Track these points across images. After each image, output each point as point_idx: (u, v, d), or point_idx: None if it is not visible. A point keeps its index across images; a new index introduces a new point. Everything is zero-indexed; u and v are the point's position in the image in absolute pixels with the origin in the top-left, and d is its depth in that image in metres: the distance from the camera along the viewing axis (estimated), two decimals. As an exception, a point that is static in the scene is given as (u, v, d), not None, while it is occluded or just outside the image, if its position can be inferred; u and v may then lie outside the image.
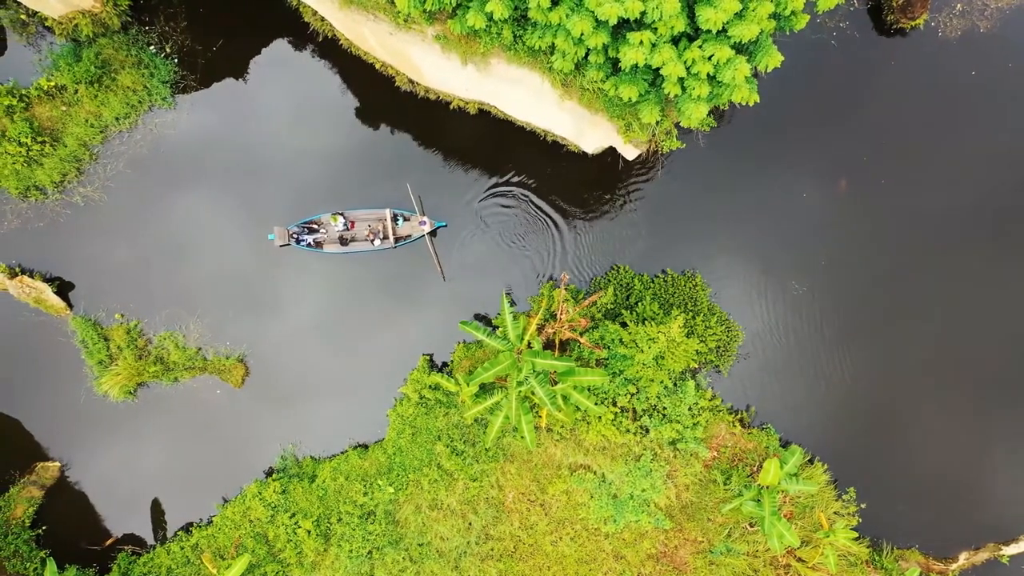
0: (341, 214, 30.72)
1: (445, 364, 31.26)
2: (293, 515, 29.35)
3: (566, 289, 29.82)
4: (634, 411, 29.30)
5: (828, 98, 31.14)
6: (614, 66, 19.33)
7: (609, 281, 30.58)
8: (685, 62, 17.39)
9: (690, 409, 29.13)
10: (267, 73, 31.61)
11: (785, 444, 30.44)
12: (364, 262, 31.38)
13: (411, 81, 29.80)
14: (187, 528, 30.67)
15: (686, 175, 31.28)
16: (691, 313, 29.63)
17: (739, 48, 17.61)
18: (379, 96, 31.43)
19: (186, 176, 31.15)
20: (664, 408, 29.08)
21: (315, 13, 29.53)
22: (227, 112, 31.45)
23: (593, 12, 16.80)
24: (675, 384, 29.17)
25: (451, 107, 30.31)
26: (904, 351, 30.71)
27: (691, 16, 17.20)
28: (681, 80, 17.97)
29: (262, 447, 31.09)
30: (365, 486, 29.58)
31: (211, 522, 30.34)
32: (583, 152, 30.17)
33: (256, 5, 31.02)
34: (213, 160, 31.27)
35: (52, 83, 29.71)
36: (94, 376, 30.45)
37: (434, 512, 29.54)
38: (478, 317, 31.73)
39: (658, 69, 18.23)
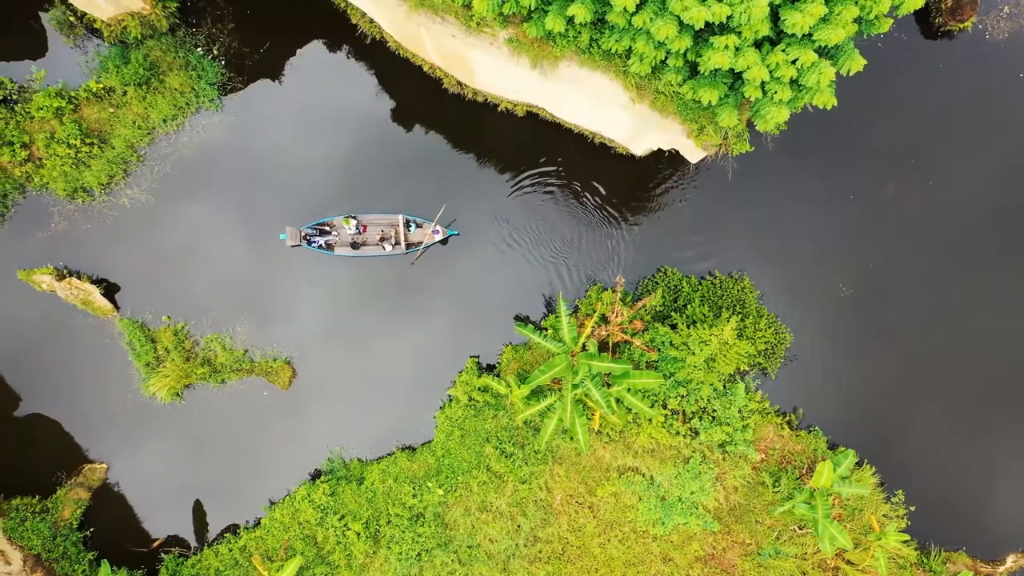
0: (354, 217, 30.54)
1: (490, 366, 31.25)
2: (342, 517, 29.36)
3: (614, 291, 29.85)
4: (683, 413, 29.30)
5: (875, 99, 31.07)
6: (691, 69, 19.33)
7: (657, 283, 30.58)
8: (768, 66, 17.42)
9: (740, 411, 29.13)
10: (312, 74, 31.53)
11: (832, 446, 30.44)
12: (406, 265, 31.28)
13: (460, 83, 29.77)
14: (234, 530, 30.68)
15: (733, 176, 31.17)
16: (739, 315, 29.60)
17: (820, 52, 17.62)
18: (425, 98, 31.35)
19: (230, 178, 31.11)
20: (714, 411, 29.08)
21: (364, 15, 29.48)
22: (272, 114, 31.34)
23: (678, 16, 16.80)
24: (724, 387, 29.16)
25: (499, 109, 30.28)
26: (952, 354, 30.71)
27: (773, 20, 17.21)
28: (762, 84, 18.00)
29: (308, 449, 31.08)
30: (414, 488, 29.58)
31: (259, 524, 30.36)
32: (631, 155, 30.16)
33: (303, 7, 30.94)
34: (257, 162, 31.23)
35: (101, 85, 29.69)
36: (141, 378, 30.47)
37: (483, 514, 29.55)
38: (518, 319, 31.74)
39: (737, 72, 18.26)
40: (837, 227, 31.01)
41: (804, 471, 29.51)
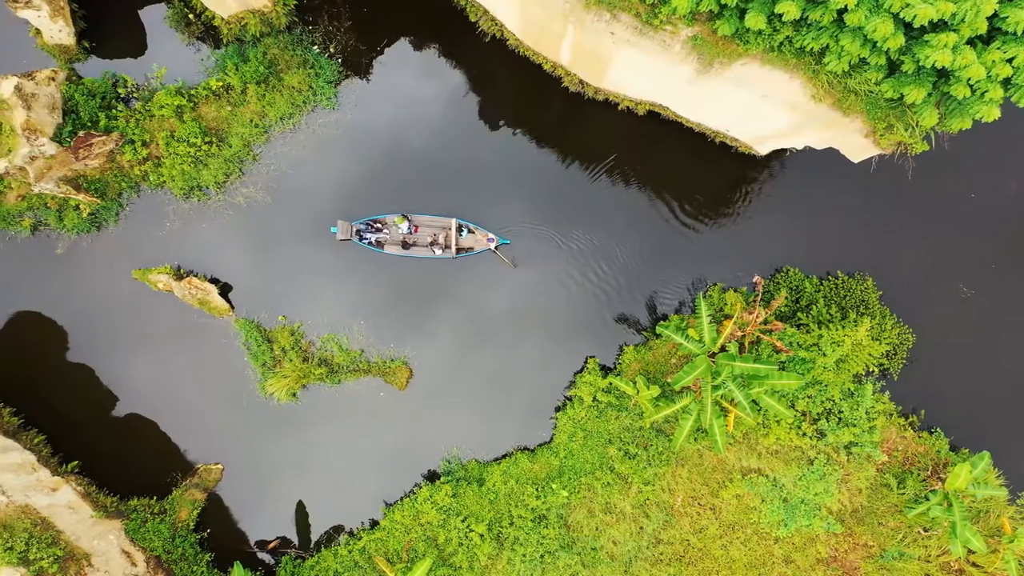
0: (407, 217, 30.27)
1: (604, 367, 31.00)
2: (465, 519, 29.13)
3: (749, 291, 29.63)
4: (810, 415, 29.06)
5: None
6: (888, 67, 19.08)
7: (779, 284, 30.34)
8: (983, 64, 17.20)
9: (867, 413, 28.89)
10: (427, 72, 31.31)
11: (954, 448, 30.20)
12: (515, 271, 30.95)
13: (582, 82, 29.50)
14: (350, 532, 30.49)
15: (845, 175, 30.95)
16: (864, 316, 29.35)
17: (1030, 50, 17.40)
18: (540, 97, 31.12)
19: (338, 175, 30.90)
20: (840, 412, 28.83)
21: (485, 12, 29.20)
22: (386, 113, 31.12)
23: (896, 14, 16.56)
24: (852, 388, 28.91)
25: (619, 108, 30.02)
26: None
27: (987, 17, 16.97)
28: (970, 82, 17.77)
29: (422, 450, 30.88)
30: (537, 489, 29.35)
31: (376, 525, 30.16)
32: (752, 154, 29.92)
33: (420, 4, 30.70)
34: (363, 159, 30.99)
35: (220, 83, 29.45)
36: (258, 378, 30.27)
37: (607, 516, 29.33)
38: (621, 319, 31.53)
39: (940, 70, 18.03)
40: (958, 226, 30.74)
41: (929, 473, 29.27)
